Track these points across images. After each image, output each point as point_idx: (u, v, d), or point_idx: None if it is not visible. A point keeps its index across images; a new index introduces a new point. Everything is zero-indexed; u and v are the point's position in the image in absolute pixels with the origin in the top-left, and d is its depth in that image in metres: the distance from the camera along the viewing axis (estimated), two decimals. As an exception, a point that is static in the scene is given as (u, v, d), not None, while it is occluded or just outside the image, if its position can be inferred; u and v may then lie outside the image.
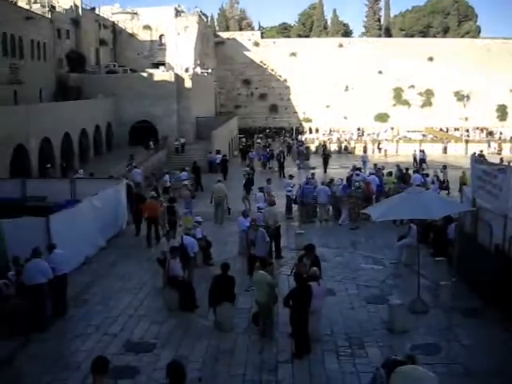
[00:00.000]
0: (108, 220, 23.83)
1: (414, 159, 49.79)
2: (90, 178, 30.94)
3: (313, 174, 31.83)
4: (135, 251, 23.25)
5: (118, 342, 14.16)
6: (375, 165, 35.34)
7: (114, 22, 71.80)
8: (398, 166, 34.76)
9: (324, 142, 66.98)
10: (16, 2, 52.78)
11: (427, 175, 32.32)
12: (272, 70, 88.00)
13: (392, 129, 79.01)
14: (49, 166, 37.87)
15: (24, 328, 14.51)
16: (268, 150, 56.36)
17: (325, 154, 51.55)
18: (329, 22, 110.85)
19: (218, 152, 49.35)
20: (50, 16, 55.37)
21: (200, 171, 41.34)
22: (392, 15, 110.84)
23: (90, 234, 22.14)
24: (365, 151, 59.98)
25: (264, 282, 14.21)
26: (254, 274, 14.96)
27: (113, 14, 72.17)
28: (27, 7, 51.61)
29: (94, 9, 67.22)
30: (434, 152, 55.80)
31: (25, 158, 37.58)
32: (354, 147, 66.13)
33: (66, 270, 16.11)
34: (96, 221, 22.63)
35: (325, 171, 47.40)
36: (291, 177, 32.72)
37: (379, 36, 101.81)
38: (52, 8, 56.14)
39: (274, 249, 21.36)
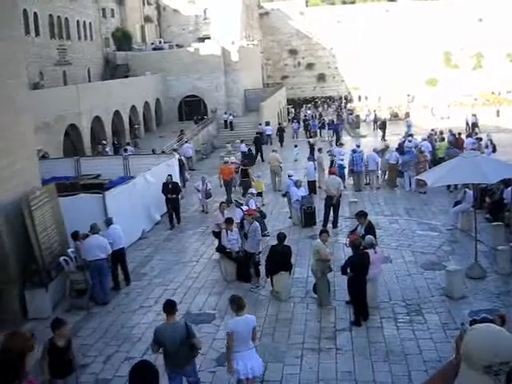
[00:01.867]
0: (162, 194, 24.01)
1: (467, 123, 48.80)
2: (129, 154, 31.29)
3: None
4: (190, 224, 23.55)
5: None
6: (432, 129, 34.88)
7: (157, -2, 72.14)
8: (450, 130, 34.19)
9: (374, 109, 66.22)
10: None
11: (480, 139, 31.70)
12: (318, 39, 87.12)
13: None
14: (104, 142, 38.39)
15: (86, 302, 14.94)
16: (319, 119, 56.31)
17: (381, 121, 50.89)
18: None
19: (268, 124, 49.32)
20: (94, -5, 55.97)
21: (261, 142, 41.55)
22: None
23: (146, 209, 22.53)
24: (408, 116, 59.27)
25: (317, 249, 14.23)
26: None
27: (156, -11, 72.45)
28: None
29: (137, -14, 67.52)
30: (486, 116, 54.45)
31: (77, 137, 38.26)
32: (404, 113, 65.16)
33: (122, 244, 16.44)
34: (150, 196, 22.91)
35: (383, 138, 46.42)
36: (341, 145, 32.55)
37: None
38: (96, -13, 56.69)
39: (332, 217, 21.39)
